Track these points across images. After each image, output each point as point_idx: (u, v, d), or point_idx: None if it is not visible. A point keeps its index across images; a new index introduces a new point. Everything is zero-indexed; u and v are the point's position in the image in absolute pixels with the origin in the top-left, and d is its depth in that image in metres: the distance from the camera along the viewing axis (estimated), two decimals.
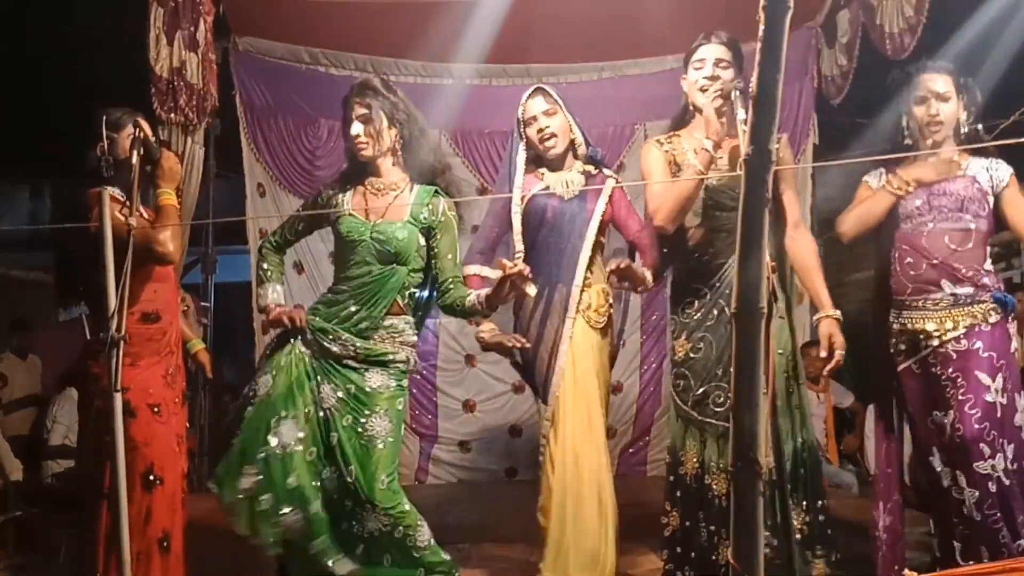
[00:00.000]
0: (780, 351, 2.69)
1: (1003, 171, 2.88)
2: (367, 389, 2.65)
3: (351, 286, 2.71)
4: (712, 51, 2.76)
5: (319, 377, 2.65)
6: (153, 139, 2.80)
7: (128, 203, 2.63)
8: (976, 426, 2.71)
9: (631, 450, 5.84)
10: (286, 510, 2.54)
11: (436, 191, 2.79)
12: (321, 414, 2.63)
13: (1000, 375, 2.76)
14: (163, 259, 2.72)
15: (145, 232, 2.59)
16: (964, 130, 2.88)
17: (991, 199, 2.86)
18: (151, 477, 2.70)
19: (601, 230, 3.12)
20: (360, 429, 2.62)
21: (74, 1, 5.64)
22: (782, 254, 2.79)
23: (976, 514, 2.68)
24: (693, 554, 2.69)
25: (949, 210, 2.82)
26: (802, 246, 2.79)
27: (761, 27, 1.42)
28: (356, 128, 2.73)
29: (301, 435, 2.59)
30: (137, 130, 2.68)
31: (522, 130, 3.16)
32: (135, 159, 2.59)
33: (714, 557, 2.64)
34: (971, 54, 4.37)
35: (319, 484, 2.60)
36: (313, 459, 2.60)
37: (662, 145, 2.88)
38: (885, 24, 4.48)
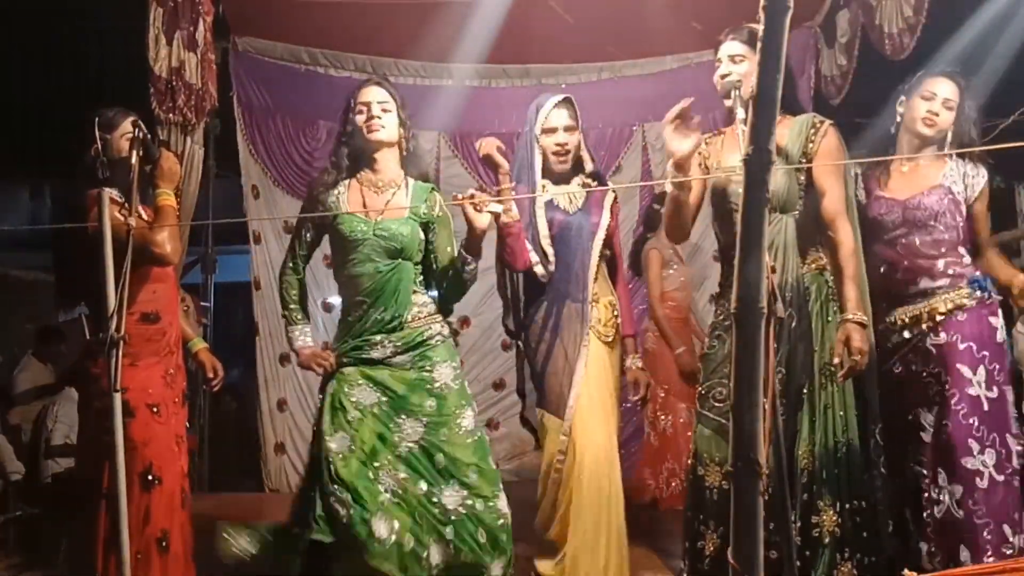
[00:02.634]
0: (816, 349, 2.67)
1: (979, 181, 2.90)
2: (441, 393, 2.71)
3: (363, 291, 2.73)
4: (727, 48, 2.73)
5: (396, 418, 2.69)
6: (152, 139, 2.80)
7: (127, 204, 2.63)
8: (963, 422, 2.71)
9: (632, 451, 5.83)
10: (430, 541, 2.62)
11: (433, 188, 2.85)
12: (415, 447, 2.67)
13: (982, 367, 2.74)
14: (161, 260, 2.72)
15: (143, 233, 2.59)
16: (948, 142, 2.90)
17: (964, 208, 2.89)
18: (149, 477, 2.70)
19: (606, 242, 3.10)
20: (461, 431, 2.71)
21: (73, 1, 5.63)
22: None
23: (958, 511, 2.67)
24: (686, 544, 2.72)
25: (923, 223, 2.85)
26: (836, 243, 2.65)
27: (761, 27, 1.42)
28: (376, 109, 2.77)
29: (403, 476, 2.64)
30: (136, 130, 2.68)
31: (537, 134, 3.07)
32: (134, 159, 2.59)
33: (699, 546, 2.66)
34: (971, 55, 4.37)
35: (437, 511, 2.65)
36: (426, 491, 2.65)
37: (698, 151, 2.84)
38: (884, 24, 4.48)
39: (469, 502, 2.65)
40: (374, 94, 2.78)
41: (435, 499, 2.65)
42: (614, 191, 3.23)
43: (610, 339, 3.07)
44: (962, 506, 2.67)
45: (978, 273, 2.84)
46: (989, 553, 2.63)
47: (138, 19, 4.14)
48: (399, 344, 2.71)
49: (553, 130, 3.06)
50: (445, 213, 2.82)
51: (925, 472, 2.77)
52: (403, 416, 2.68)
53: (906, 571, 2.28)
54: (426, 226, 2.81)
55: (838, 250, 2.65)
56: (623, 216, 4.26)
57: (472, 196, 2.61)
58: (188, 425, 3.13)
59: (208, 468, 5.50)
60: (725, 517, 2.56)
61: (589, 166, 3.17)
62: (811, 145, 2.70)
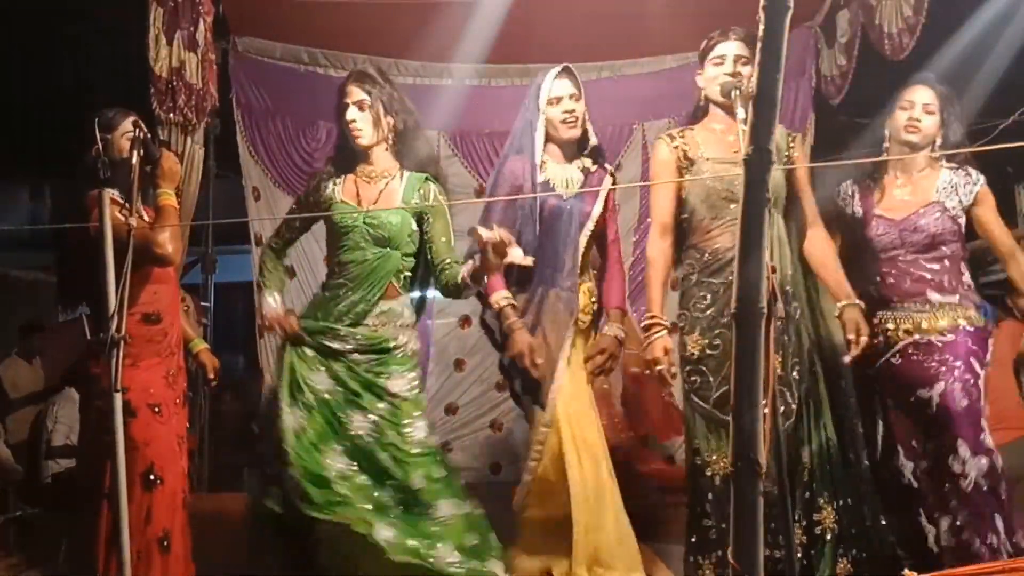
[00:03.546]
0: (807, 344, 2.73)
1: (972, 188, 2.91)
2: (395, 401, 2.71)
3: (347, 276, 2.75)
4: (732, 47, 2.75)
5: (347, 410, 2.70)
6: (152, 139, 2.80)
7: (128, 204, 2.63)
8: (979, 404, 2.78)
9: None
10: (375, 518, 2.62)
11: (427, 177, 2.83)
12: (361, 441, 2.69)
13: (983, 372, 2.83)
14: (163, 260, 2.72)
15: (144, 233, 2.59)
16: (938, 145, 2.93)
17: (962, 220, 2.91)
18: (151, 477, 2.70)
19: (595, 233, 3.08)
20: (409, 440, 2.69)
21: (73, 1, 5.63)
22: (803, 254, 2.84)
23: (984, 482, 2.72)
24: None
25: (923, 246, 2.89)
26: (817, 243, 2.81)
27: (761, 27, 1.43)
28: (352, 113, 2.77)
29: (353, 465, 2.67)
30: (137, 131, 2.68)
31: (542, 108, 3.04)
32: (135, 160, 2.59)
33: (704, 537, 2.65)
34: (970, 55, 4.38)
35: (376, 505, 2.65)
36: (365, 483, 2.66)
37: (672, 140, 2.85)
38: (884, 24, 4.48)
39: (407, 503, 2.66)
40: (352, 94, 2.78)
41: (376, 492, 2.66)
42: (613, 176, 3.22)
43: (586, 325, 3.08)
44: (989, 477, 2.73)
45: (982, 302, 2.93)
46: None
47: (138, 19, 4.14)
48: (361, 341, 2.72)
49: (559, 99, 3.04)
50: (440, 203, 2.80)
51: (945, 447, 2.80)
52: (352, 409, 2.70)
53: (906, 571, 2.28)
54: (420, 217, 2.80)
55: (821, 246, 2.80)
56: (624, 217, 4.24)
57: (500, 242, 2.47)
58: (188, 425, 3.13)
59: (208, 468, 5.50)
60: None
61: (593, 139, 3.16)
62: (792, 150, 2.84)
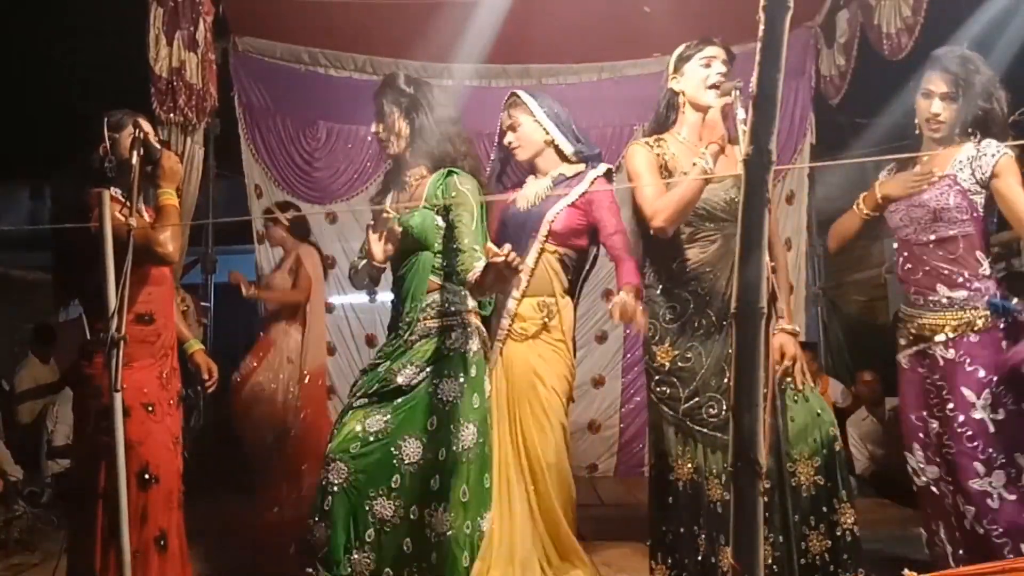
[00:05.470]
0: None
1: (986, 161, 2.74)
2: (446, 408, 2.62)
3: (397, 286, 2.77)
4: (718, 51, 2.75)
5: (398, 441, 2.60)
6: (154, 139, 2.80)
7: (128, 203, 2.63)
8: (967, 445, 2.68)
9: (634, 450, 5.83)
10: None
11: (449, 172, 2.75)
12: (411, 470, 2.59)
13: (988, 391, 2.68)
14: (163, 260, 2.71)
15: (145, 233, 2.59)
16: (967, 123, 2.79)
17: (979, 196, 2.75)
18: (146, 476, 2.68)
19: (559, 240, 3.04)
20: (458, 449, 2.61)
21: (74, 1, 5.65)
22: None
23: (979, 528, 2.65)
24: (687, 560, 2.67)
25: (925, 222, 2.78)
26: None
27: (761, 27, 1.42)
28: (373, 126, 2.81)
29: (396, 505, 2.57)
30: (137, 130, 2.68)
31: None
32: (135, 159, 2.59)
33: (714, 561, 2.62)
34: None
35: (428, 533, 2.59)
36: (417, 517, 2.59)
37: (652, 148, 2.80)
38: (883, 24, 4.50)
39: (458, 523, 2.59)
40: (381, 109, 2.79)
41: (426, 521, 2.58)
42: (611, 171, 3.21)
43: (530, 334, 3.00)
44: (980, 525, 2.65)
45: (998, 294, 2.72)
46: None
47: (138, 19, 4.15)
48: (418, 362, 2.64)
49: (503, 133, 3.19)
50: (461, 193, 2.70)
51: (948, 479, 2.77)
52: (405, 437, 2.60)
53: (906, 571, 2.28)
54: (446, 213, 2.73)
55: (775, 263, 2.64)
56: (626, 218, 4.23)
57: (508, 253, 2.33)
58: (188, 424, 3.12)
59: (208, 470, 5.49)
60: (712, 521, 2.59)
61: (568, 147, 3.14)
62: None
